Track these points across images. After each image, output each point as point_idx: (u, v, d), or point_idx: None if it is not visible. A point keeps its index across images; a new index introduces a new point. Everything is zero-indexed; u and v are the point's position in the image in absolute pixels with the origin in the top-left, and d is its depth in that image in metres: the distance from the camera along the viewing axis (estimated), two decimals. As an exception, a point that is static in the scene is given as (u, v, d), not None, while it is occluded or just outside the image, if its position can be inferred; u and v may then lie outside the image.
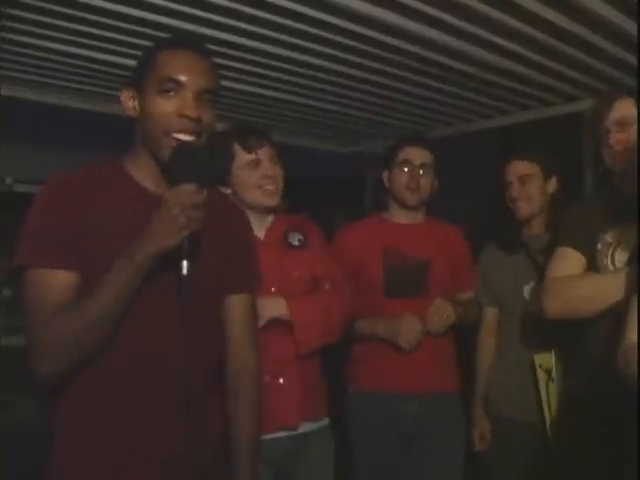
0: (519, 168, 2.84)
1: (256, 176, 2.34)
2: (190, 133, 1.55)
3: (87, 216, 1.54)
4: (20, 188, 4.24)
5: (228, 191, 2.36)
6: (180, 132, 1.55)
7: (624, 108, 2.24)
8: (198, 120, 1.56)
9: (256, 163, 2.35)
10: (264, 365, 2.24)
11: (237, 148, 2.36)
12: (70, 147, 3.88)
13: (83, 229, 1.53)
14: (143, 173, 1.64)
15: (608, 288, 2.10)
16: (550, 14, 2.42)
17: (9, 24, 2.51)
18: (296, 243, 2.43)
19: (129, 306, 1.50)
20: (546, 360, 2.65)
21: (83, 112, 3.50)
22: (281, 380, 2.31)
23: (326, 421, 2.47)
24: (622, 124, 2.22)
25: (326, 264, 2.48)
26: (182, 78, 1.56)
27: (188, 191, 1.45)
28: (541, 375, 2.65)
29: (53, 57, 2.89)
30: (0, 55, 2.83)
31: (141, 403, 1.58)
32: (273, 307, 2.29)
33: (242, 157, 2.35)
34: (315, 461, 2.38)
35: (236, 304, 1.80)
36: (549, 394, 2.62)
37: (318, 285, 2.45)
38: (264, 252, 2.31)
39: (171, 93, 1.56)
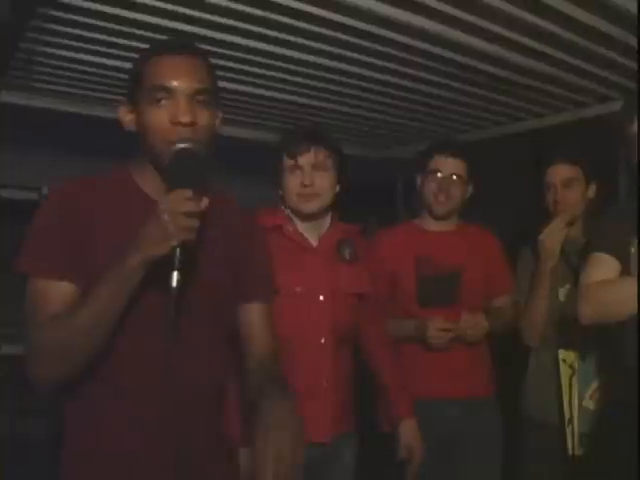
0: (563, 172, 2.80)
1: (295, 182, 2.34)
2: (186, 140, 1.49)
3: (94, 227, 1.52)
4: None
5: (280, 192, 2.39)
6: (178, 140, 1.49)
7: None
8: (193, 124, 1.50)
9: (295, 169, 2.34)
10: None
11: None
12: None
13: (89, 240, 1.51)
14: (148, 182, 1.61)
15: None
16: (582, 15, 2.40)
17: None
18: (347, 257, 2.42)
19: (122, 316, 1.46)
20: (570, 356, 2.65)
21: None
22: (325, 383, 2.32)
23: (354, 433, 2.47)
24: None
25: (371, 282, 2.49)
26: (171, 83, 1.50)
27: (181, 197, 1.38)
28: (564, 370, 2.65)
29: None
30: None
31: (138, 417, 1.57)
32: None
33: (285, 161, 2.35)
34: (342, 464, 2.40)
35: (249, 314, 1.75)
36: (571, 390, 2.62)
37: (363, 301, 2.47)
38: (316, 259, 2.35)
39: (162, 102, 1.51)
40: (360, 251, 2.47)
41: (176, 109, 1.49)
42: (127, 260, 1.39)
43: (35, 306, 1.50)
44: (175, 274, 1.38)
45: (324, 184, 2.34)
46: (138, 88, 1.55)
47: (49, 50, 2.72)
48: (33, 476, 3.03)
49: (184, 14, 2.41)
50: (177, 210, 1.37)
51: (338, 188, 2.41)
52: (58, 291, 1.50)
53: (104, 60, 2.85)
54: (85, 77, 3.07)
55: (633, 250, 2.18)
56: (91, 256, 1.51)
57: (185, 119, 1.49)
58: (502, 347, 2.93)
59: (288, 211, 2.41)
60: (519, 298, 2.92)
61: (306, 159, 2.32)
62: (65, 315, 1.46)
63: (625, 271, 2.20)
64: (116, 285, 1.41)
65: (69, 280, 1.50)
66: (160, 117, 1.50)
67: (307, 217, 2.39)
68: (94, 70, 2.97)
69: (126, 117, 1.59)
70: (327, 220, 2.45)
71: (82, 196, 1.55)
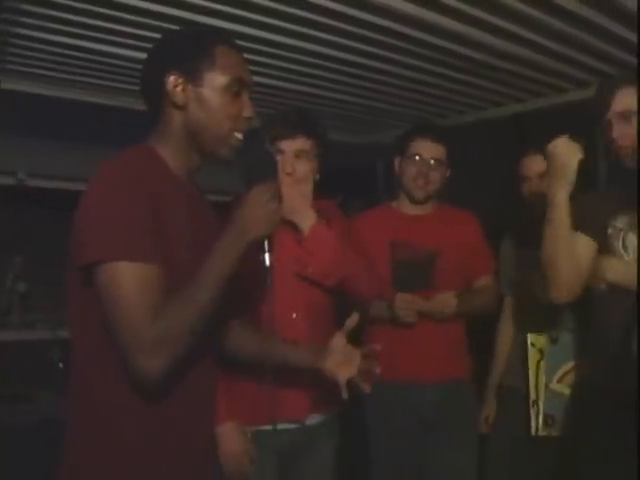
0: (538, 165, 2.79)
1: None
2: (245, 132, 1.62)
3: (155, 208, 1.48)
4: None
5: None
6: (240, 132, 1.60)
7: (627, 99, 2.11)
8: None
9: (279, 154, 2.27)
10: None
11: None
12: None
13: (154, 222, 1.46)
14: (177, 162, 1.60)
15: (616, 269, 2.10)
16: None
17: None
18: None
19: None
20: (540, 340, 2.69)
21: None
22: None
23: (335, 414, 2.42)
24: (625, 117, 2.11)
25: (345, 251, 2.36)
26: (245, 79, 1.61)
27: (278, 189, 1.56)
28: (532, 353, 2.69)
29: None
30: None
31: (192, 396, 1.58)
32: None
33: (270, 147, 2.28)
34: (320, 453, 2.37)
35: None
36: (538, 373, 2.67)
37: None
38: (288, 237, 2.28)
39: (236, 94, 1.59)
40: (335, 223, 2.37)
41: (245, 104, 1.60)
42: (242, 239, 1.49)
43: (142, 292, 1.41)
44: (267, 255, 1.59)
45: (308, 172, 2.30)
46: (206, 69, 1.56)
47: (23, 31, 2.67)
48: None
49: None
50: (276, 199, 1.54)
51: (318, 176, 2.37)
52: (156, 273, 1.43)
53: (81, 42, 2.79)
54: (61, 60, 3.01)
55: (610, 231, 2.17)
56: (161, 236, 1.48)
57: (253, 115, 1.62)
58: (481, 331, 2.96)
59: None
60: (505, 289, 2.95)
61: (289, 146, 2.28)
62: (182, 296, 1.45)
63: (602, 251, 2.19)
64: (230, 263, 1.49)
65: (159, 262, 1.44)
66: (234, 108, 1.58)
67: None
68: (71, 53, 2.92)
69: (178, 91, 1.56)
70: None
71: (137, 177, 1.48)
